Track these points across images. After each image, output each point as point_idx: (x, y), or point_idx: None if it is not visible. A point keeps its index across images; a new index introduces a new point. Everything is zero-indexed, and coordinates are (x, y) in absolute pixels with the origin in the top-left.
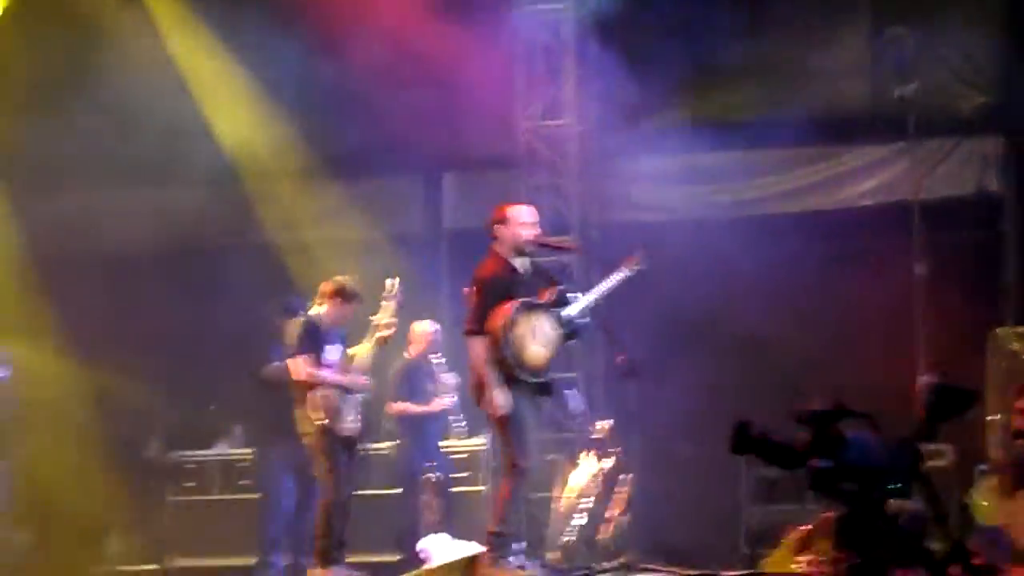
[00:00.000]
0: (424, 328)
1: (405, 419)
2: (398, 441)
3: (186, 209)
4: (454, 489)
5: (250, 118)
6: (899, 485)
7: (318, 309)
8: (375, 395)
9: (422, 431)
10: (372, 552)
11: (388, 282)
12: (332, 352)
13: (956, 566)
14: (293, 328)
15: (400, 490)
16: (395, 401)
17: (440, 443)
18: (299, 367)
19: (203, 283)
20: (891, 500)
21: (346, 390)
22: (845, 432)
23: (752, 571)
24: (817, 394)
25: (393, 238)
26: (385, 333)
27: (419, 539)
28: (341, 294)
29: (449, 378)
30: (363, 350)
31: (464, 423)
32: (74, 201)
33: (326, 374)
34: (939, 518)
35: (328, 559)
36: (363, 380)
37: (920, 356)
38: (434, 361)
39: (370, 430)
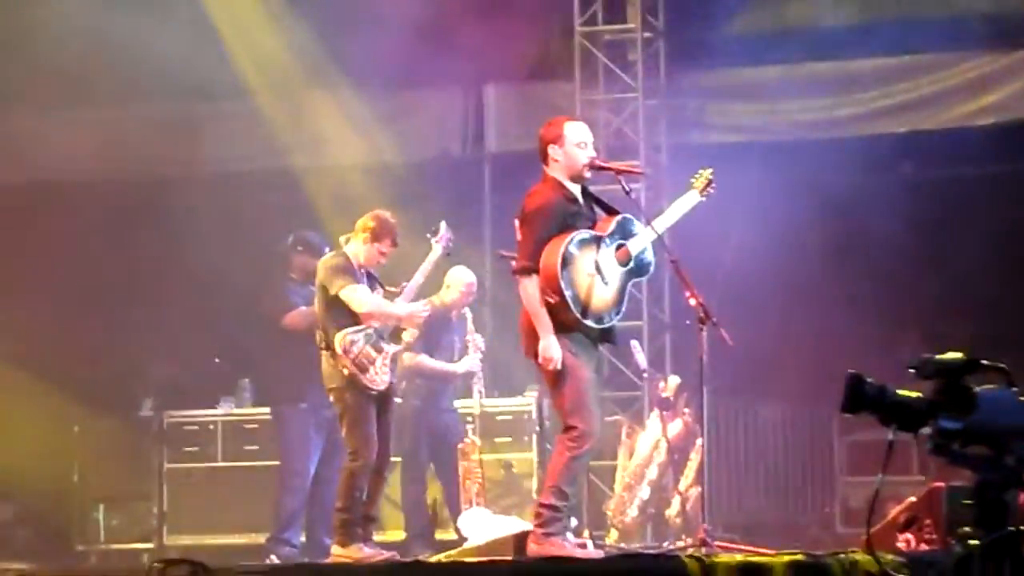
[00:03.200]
0: (463, 276)
1: (418, 377)
2: (400, 400)
3: (180, 129)
4: (494, 456)
5: (255, 19)
6: None
7: (353, 245)
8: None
9: (436, 392)
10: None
11: (441, 225)
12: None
13: None
14: (321, 265)
15: (399, 459)
16: (412, 352)
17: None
18: (356, 298)
19: (207, 216)
20: None
21: (380, 337)
22: (977, 388)
23: (845, 551)
24: (935, 343)
25: (427, 162)
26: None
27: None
28: (373, 231)
29: (478, 339)
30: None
31: (483, 392)
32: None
33: (386, 305)
34: None
35: (351, 535)
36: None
37: None
38: (467, 315)
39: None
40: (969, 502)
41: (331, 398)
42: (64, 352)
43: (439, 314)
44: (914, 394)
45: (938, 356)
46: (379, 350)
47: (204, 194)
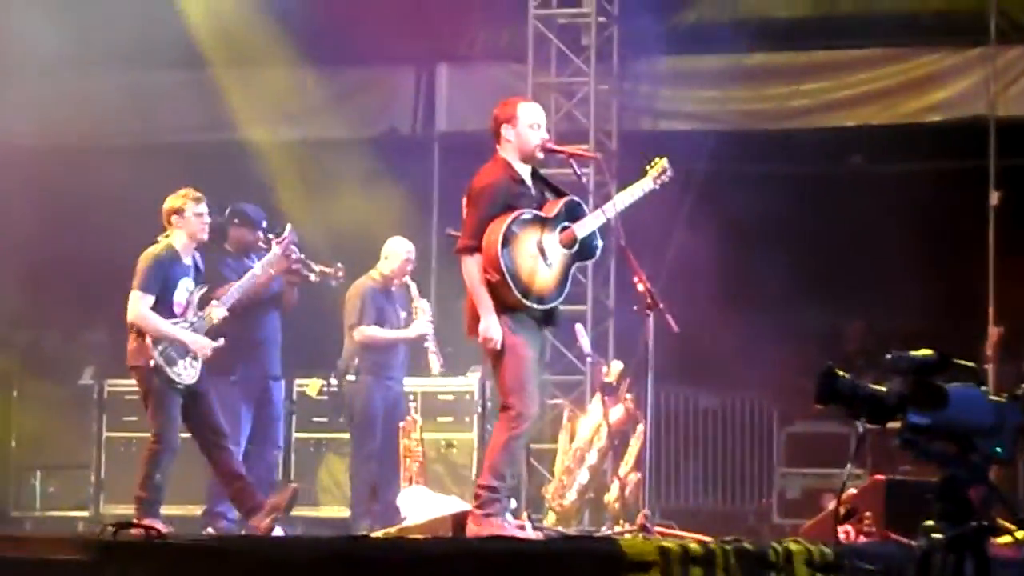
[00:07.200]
0: (399, 246)
1: (368, 351)
2: (353, 378)
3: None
4: (436, 435)
5: None
6: (1002, 449)
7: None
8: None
9: (385, 367)
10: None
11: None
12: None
13: None
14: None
15: (347, 435)
16: (359, 327)
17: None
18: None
19: (151, 186)
20: (993, 465)
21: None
22: (947, 386)
23: (783, 538)
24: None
25: (378, 139)
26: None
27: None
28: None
29: (424, 304)
30: None
31: (441, 358)
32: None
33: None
34: None
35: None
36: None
37: (991, 299)
38: (409, 284)
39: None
40: (932, 496)
41: (134, 377)
42: (3, 318)
43: (379, 287)
44: (884, 388)
45: (911, 352)
46: (187, 349)
47: (148, 165)
